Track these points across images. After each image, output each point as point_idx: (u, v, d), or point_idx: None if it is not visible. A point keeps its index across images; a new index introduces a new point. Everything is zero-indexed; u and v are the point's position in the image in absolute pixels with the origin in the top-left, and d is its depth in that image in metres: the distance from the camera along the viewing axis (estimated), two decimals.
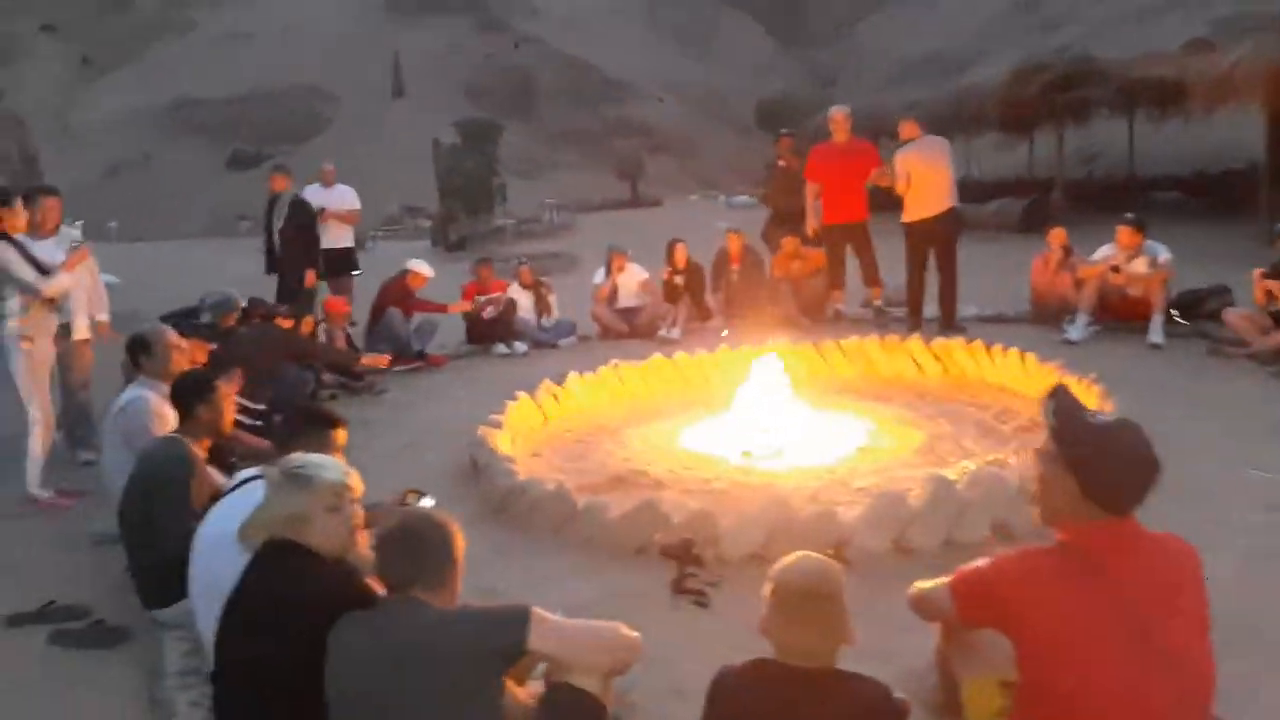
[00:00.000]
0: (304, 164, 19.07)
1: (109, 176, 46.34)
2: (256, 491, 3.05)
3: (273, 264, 9.19)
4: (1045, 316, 8.21)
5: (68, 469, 5.51)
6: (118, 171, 47.81)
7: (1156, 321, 7.32)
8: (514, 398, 6.40)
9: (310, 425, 3.30)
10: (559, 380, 6.80)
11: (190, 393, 3.68)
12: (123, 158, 48.68)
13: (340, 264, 10.25)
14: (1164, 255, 7.51)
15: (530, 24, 54.44)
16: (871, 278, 9.27)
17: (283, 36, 54.81)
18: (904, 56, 47.68)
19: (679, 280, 9.42)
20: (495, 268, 16.83)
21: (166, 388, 4.04)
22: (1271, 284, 6.72)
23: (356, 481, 2.71)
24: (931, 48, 46.94)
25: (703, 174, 47.31)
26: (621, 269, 9.48)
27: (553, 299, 9.65)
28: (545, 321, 9.47)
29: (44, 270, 5.07)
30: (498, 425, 5.88)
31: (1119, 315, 7.67)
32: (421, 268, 9.14)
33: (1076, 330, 7.55)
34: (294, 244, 8.97)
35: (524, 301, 9.42)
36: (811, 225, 9.25)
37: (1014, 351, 6.63)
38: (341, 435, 3.37)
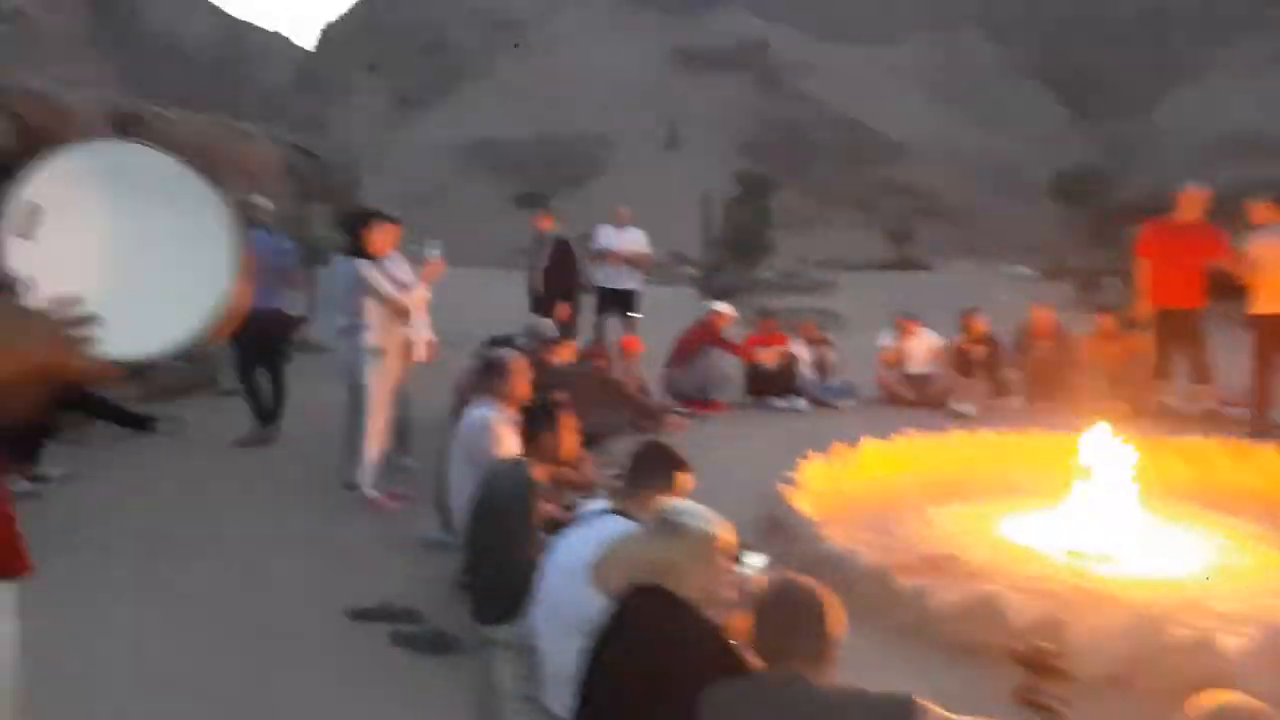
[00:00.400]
0: (581, 207, 20.00)
1: (412, 205, 51.05)
2: (606, 525, 3.01)
3: (536, 301, 9.50)
4: None
5: (392, 472, 5.85)
6: (419, 202, 52.65)
7: None
8: (802, 455, 6.19)
9: (659, 464, 3.24)
10: (848, 442, 6.52)
11: (539, 420, 3.74)
12: (424, 189, 53.54)
13: (622, 304, 10.48)
14: None
15: (808, 82, 54.89)
16: (1201, 373, 8.28)
17: (572, 84, 58.44)
18: (1211, 134, 43.71)
19: (975, 352, 8.87)
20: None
21: (510, 410, 4.17)
22: None
23: (728, 534, 2.59)
24: (1244, 127, 42.69)
25: (977, 242, 45.38)
26: (911, 334, 9.06)
27: (833, 357, 9.38)
28: (826, 380, 9.20)
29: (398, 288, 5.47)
30: (792, 483, 5.68)
31: None
32: (725, 309, 9.21)
33: None
34: (555, 281, 9.26)
35: (805, 357, 9.20)
36: (1139, 307, 8.43)
37: None
38: (687, 480, 3.29)
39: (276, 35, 79.02)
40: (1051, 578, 4.63)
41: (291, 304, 7.21)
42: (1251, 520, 5.65)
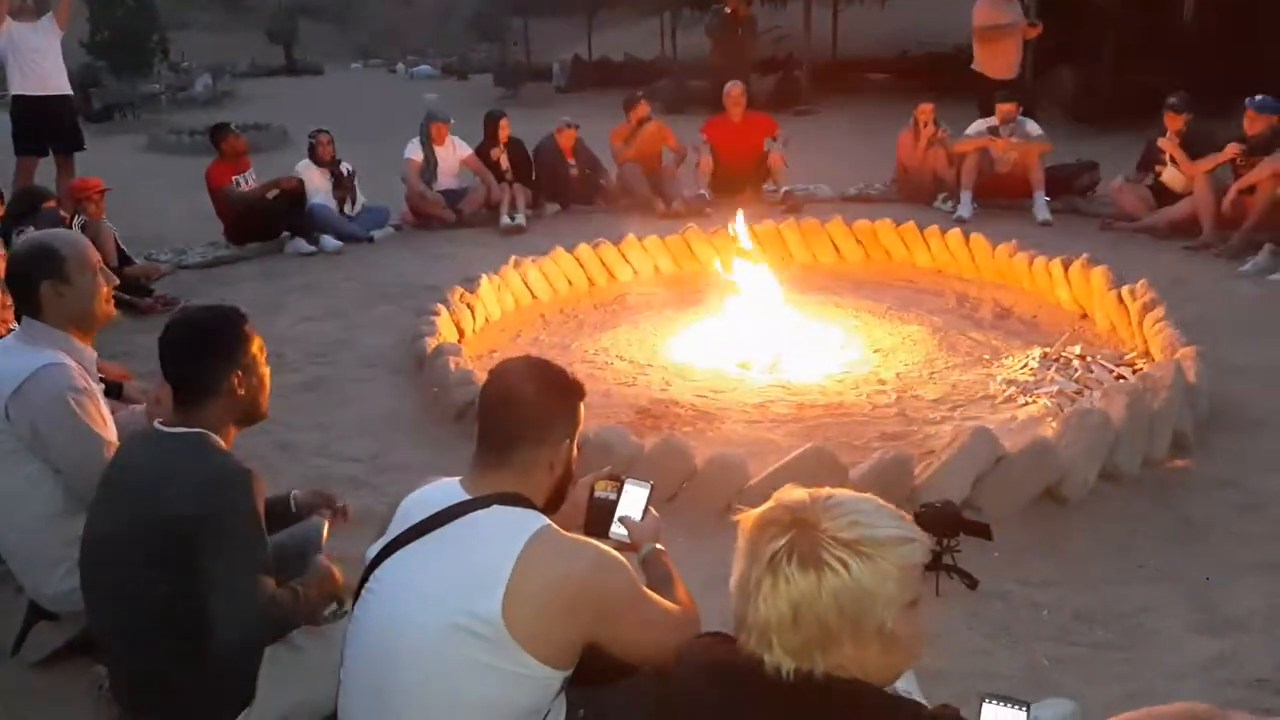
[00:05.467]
0: None
1: None
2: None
3: None
4: (914, 194, 7.95)
5: None
6: None
7: (1040, 199, 7.28)
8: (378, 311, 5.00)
9: None
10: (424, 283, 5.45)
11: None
12: None
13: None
14: (1036, 129, 7.47)
15: None
16: None
17: None
18: None
19: (505, 161, 8.00)
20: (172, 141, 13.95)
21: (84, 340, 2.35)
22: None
23: None
24: None
25: (361, 42, 43.25)
26: (442, 142, 7.85)
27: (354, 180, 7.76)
28: (348, 209, 7.64)
29: None
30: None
31: (991, 194, 7.54)
32: None
33: (965, 208, 7.34)
34: None
35: (319, 183, 7.48)
36: None
37: (954, 233, 6.23)
38: None
39: None
40: (768, 400, 4.18)
41: None
42: (847, 295, 5.83)
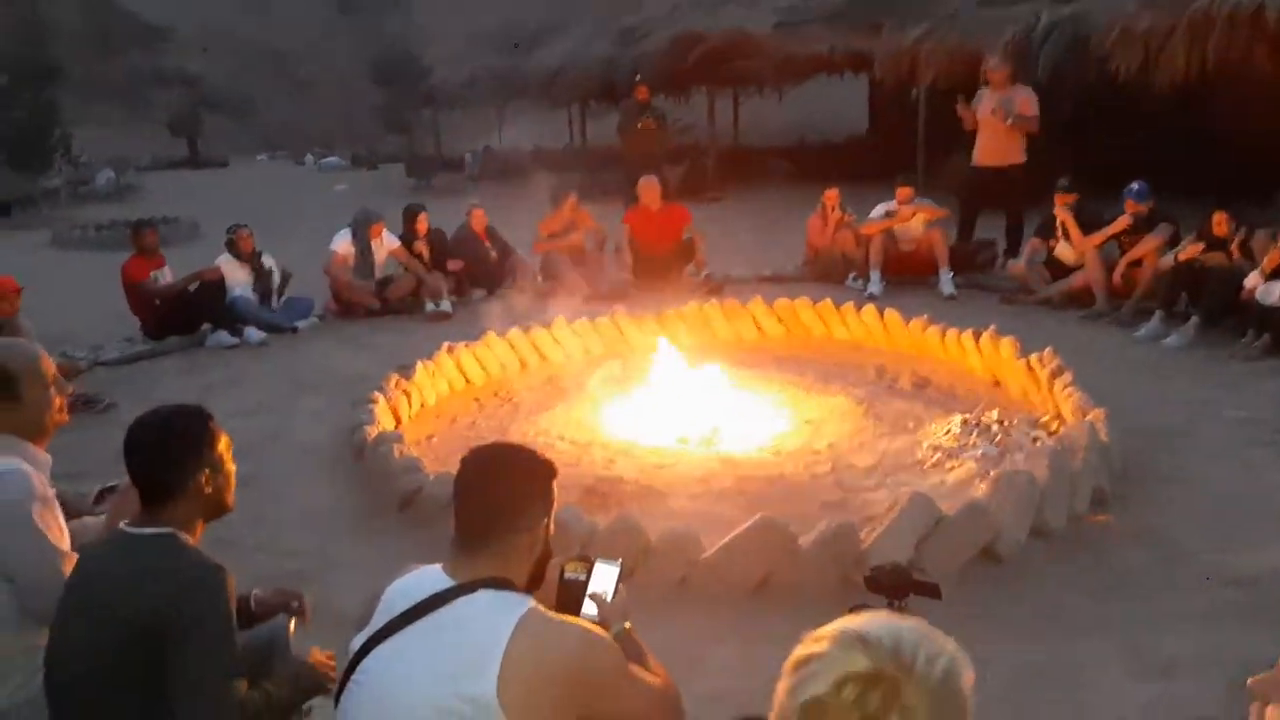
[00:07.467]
0: None
1: None
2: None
3: None
4: (825, 274, 8.28)
5: None
6: None
7: (945, 275, 7.67)
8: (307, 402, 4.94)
9: None
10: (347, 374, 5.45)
11: None
12: None
13: None
14: (935, 206, 7.92)
15: None
16: None
17: None
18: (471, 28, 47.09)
19: (427, 253, 8.10)
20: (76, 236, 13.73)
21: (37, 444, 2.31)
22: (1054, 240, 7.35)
23: None
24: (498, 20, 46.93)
25: (266, 135, 43.07)
26: (378, 235, 7.90)
27: (277, 271, 7.71)
28: (274, 302, 7.58)
29: None
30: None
31: (898, 271, 7.92)
32: None
33: (875, 285, 7.68)
34: None
35: (240, 278, 7.42)
36: None
37: (869, 309, 6.52)
38: None
39: None
40: (709, 474, 4.28)
41: None
42: (772, 370, 6.00)
